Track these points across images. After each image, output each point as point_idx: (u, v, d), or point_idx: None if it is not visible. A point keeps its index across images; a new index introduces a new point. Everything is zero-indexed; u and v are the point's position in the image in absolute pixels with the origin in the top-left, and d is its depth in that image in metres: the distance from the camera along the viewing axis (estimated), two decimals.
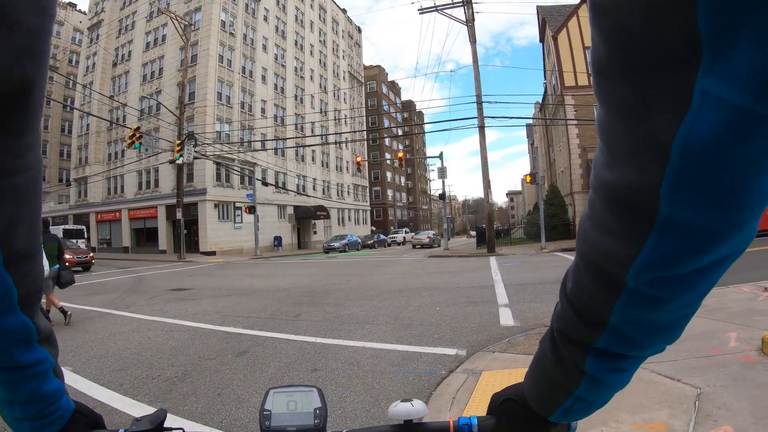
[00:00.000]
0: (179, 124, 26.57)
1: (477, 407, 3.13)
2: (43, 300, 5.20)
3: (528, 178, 25.28)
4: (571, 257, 16.43)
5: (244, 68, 36.19)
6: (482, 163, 22.95)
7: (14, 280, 0.40)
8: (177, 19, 26.61)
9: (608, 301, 0.37)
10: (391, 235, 48.20)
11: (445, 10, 22.86)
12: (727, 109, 0.24)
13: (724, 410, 2.71)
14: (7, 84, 0.34)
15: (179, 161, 24.01)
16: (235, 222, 33.89)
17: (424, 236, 38.30)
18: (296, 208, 39.59)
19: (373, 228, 58.15)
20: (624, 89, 0.27)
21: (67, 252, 19.11)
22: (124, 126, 29.88)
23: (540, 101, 42.86)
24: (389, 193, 67.44)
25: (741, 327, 4.41)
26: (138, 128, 21.71)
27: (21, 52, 0.34)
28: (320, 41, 49.72)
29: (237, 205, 33.58)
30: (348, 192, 53.52)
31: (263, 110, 37.97)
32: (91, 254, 20.55)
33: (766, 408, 2.68)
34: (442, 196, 28.75)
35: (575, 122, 27.46)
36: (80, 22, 46.79)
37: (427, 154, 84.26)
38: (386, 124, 68.13)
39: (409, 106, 76.71)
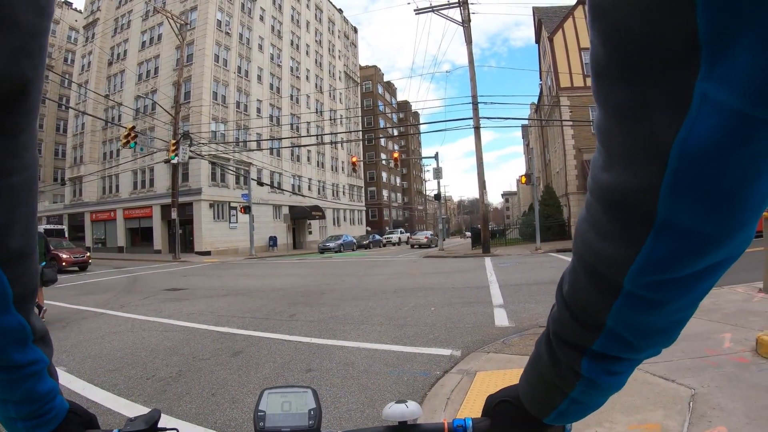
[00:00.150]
0: (174, 123, 26.48)
1: (471, 408, 3.14)
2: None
3: (523, 179, 25.41)
4: (566, 258, 16.40)
5: (239, 68, 36.08)
6: (478, 164, 23.00)
7: (9, 279, 0.39)
8: (173, 19, 26.50)
9: (605, 303, 0.37)
10: (386, 236, 48.20)
11: (441, 11, 22.94)
12: (725, 113, 0.24)
13: (719, 411, 2.73)
14: (4, 83, 0.33)
15: (174, 161, 23.96)
16: (230, 222, 33.77)
17: (422, 236, 38.71)
18: (291, 208, 39.52)
19: (369, 228, 58.05)
20: (623, 90, 0.28)
21: (64, 252, 19.04)
22: (119, 125, 29.68)
23: (536, 102, 43.05)
24: (384, 193, 67.41)
25: (736, 328, 4.44)
26: (133, 127, 21.60)
27: (19, 51, 0.34)
28: (316, 41, 49.67)
29: (232, 205, 33.45)
30: (343, 192, 53.47)
31: (259, 110, 37.86)
32: (88, 254, 20.41)
33: (760, 408, 2.69)
34: (438, 197, 28.71)
35: (571, 123, 27.59)
36: (76, 20, 46.57)
37: (423, 155, 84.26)
38: (382, 124, 68.15)
39: (404, 106, 76.56)
